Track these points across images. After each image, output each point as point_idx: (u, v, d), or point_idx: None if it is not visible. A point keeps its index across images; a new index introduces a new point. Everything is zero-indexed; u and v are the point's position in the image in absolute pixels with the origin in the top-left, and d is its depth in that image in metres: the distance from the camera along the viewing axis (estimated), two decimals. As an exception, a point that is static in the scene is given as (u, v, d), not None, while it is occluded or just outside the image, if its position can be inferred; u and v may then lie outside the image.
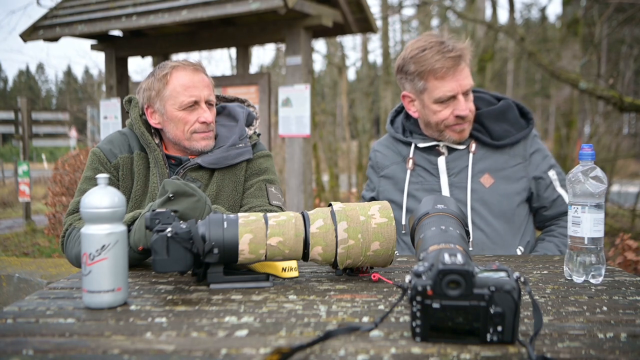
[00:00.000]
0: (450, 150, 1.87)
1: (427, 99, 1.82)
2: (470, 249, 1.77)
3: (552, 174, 1.86)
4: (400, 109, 2.06)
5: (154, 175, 1.67)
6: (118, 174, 1.67)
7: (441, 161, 1.86)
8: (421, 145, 1.89)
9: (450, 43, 1.78)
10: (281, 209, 1.72)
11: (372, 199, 2.04)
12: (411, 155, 1.91)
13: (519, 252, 1.79)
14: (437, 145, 1.88)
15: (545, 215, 1.89)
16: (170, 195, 1.24)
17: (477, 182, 1.82)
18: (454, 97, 1.79)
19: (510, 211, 1.80)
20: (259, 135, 1.83)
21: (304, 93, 4.81)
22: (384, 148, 2.03)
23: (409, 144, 1.93)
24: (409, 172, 1.90)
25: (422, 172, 1.89)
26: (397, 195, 1.92)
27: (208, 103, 1.69)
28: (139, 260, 1.38)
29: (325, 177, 11.05)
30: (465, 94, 1.80)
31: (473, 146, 1.85)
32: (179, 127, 1.67)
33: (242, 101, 1.89)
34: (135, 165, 1.68)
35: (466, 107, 1.79)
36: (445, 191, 1.84)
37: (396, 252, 1.91)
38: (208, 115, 1.67)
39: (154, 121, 1.71)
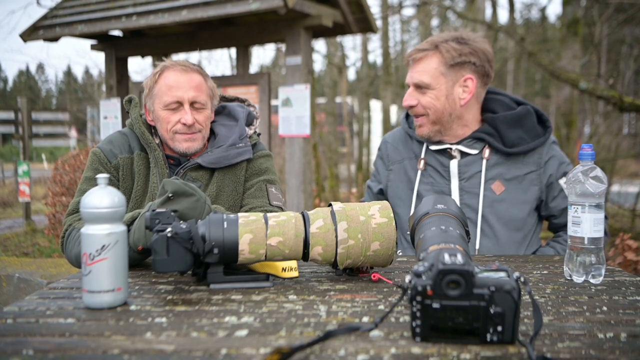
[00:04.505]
0: (463, 154, 1.83)
1: None
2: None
3: (563, 181, 1.81)
4: None
5: (154, 175, 1.67)
6: (118, 174, 1.67)
7: (454, 164, 1.82)
8: (433, 147, 1.86)
9: (432, 38, 1.81)
10: (281, 210, 1.72)
11: (381, 190, 2.02)
12: (423, 155, 1.88)
13: None
14: (450, 149, 1.84)
15: (555, 223, 1.87)
16: (170, 195, 1.24)
17: (488, 188, 1.78)
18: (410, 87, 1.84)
19: (519, 220, 1.78)
20: (259, 135, 1.83)
21: (304, 93, 4.81)
22: (396, 141, 2.00)
23: (422, 143, 1.90)
24: (419, 172, 1.87)
25: (433, 173, 1.85)
26: (405, 192, 1.90)
27: (194, 105, 1.66)
28: (139, 261, 1.38)
29: (325, 178, 11.06)
30: (416, 87, 1.81)
31: (486, 152, 1.80)
32: (163, 127, 1.68)
33: (242, 101, 1.89)
34: (136, 166, 1.68)
35: (408, 98, 1.83)
36: (455, 195, 1.80)
37: (399, 251, 1.90)
38: (188, 117, 1.64)
39: (149, 118, 1.73)
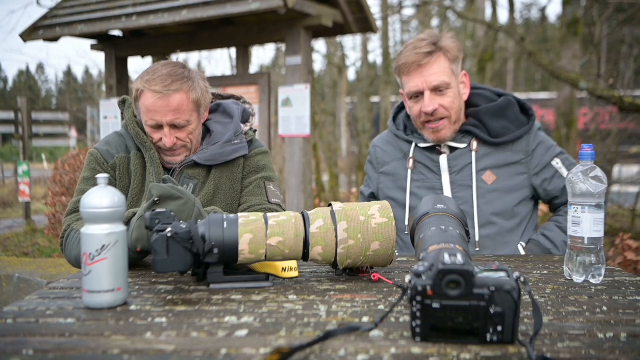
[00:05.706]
0: (452, 149, 1.86)
1: (405, 95, 1.86)
2: (477, 249, 1.76)
3: (555, 162, 1.84)
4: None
5: (150, 175, 1.67)
6: (115, 173, 1.68)
7: (443, 159, 1.85)
8: (422, 145, 1.88)
9: (430, 39, 1.78)
10: (280, 207, 1.72)
11: (372, 194, 2.03)
12: (411, 154, 1.90)
13: (520, 249, 1.79)
14: (438, 146, 1.87)
15: (557, 203, 1.89)
16: (156, 199, 1.25)
17: (479, 179, 1.81)
18: (422, 94, 1.79)
19: (512, 208, 1.80)
20: (255, 131, 1.83)
21: (304, 93, 4.81)
22: (385, 144, 2.01)
23: (410, 142, 1.92)
24: (410, 171, 1.89)
25: (423, 170, 1.87)
26: (397, 192, 1.91)
27: (175, 126, 1.63)
28: (136, 260, 1.38)
29: (325, 177, 11.05)
30: (435, 90, 1.78)
31: (474, 144, 1.83)
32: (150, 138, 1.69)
33: (238, 98, 1.89)
34: (132, 165, 1.69)
35: (430, 103, 1.78)
36: (447, 189, 1.82)
37: (396, 252, 1.90)
38: (167, 140, 1.63)
39: None
